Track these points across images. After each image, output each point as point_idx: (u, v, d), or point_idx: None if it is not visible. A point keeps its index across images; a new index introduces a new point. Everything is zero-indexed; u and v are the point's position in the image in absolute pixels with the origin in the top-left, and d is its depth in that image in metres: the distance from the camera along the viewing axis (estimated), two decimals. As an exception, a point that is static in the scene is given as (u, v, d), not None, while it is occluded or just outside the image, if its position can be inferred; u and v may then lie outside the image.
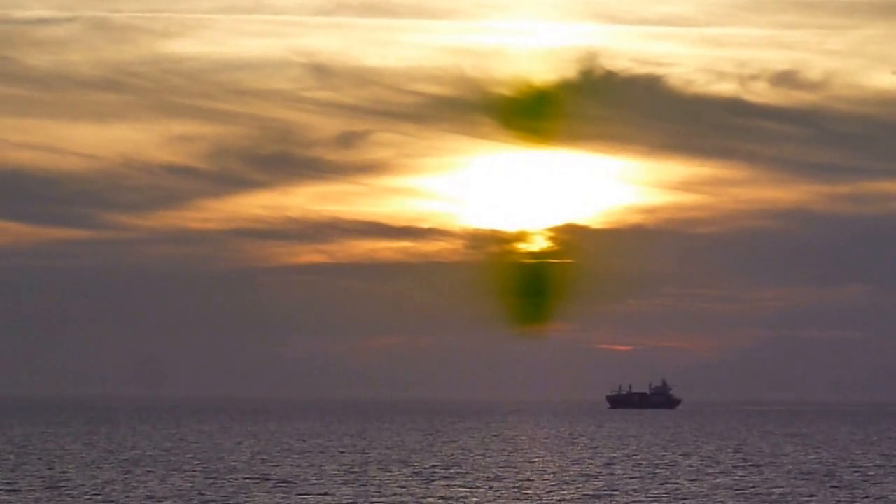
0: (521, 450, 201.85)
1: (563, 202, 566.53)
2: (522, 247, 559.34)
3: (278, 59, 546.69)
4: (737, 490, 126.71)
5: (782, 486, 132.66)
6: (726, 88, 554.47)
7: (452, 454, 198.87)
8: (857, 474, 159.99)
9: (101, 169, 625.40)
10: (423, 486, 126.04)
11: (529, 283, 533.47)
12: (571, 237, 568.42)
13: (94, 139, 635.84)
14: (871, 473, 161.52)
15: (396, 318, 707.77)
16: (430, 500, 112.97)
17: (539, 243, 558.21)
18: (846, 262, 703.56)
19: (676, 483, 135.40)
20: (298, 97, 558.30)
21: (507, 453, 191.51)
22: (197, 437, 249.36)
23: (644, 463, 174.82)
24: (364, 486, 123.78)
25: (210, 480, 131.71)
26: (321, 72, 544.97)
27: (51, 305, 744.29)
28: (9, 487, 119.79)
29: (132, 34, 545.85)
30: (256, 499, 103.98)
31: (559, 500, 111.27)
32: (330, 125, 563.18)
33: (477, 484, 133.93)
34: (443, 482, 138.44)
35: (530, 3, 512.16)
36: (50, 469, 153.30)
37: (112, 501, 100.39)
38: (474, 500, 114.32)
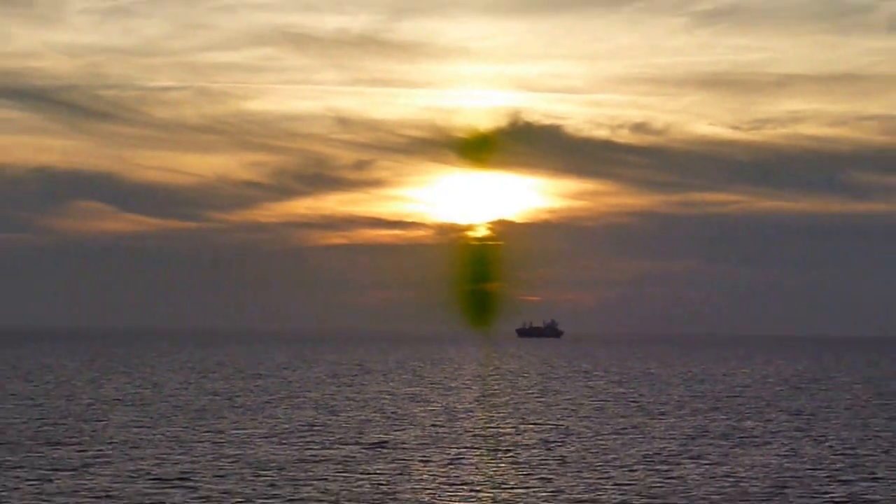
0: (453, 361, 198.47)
1: (497, 205, 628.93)
2: (471, 234, 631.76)
3: (317, 114, 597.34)
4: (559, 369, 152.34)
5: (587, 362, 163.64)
6: (602, 133, 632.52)
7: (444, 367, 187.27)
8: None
9: (204, 183, 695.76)
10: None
11: (475, 257, 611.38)
12: (502, 228, 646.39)
13: (199, 164, 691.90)
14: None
15: (390, 279, 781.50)
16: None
17: (482, 231, 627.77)
18: (679, 243, 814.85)
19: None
20: (329, 138, 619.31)
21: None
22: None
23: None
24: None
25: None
26: (344, 122, 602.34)
27: (169, 273, 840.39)
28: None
29: (223, 97, 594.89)
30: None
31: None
32: (349, 156, 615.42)
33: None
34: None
35: (478, 79, 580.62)
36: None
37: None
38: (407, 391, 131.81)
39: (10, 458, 59.14)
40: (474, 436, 77.45)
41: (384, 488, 50.69)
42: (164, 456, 61.29)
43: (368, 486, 51.33)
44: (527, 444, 70.38)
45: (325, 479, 52.90)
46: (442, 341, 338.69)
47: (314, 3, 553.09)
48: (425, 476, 55.45)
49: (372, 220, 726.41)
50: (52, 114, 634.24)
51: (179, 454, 62.44)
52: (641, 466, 59.27)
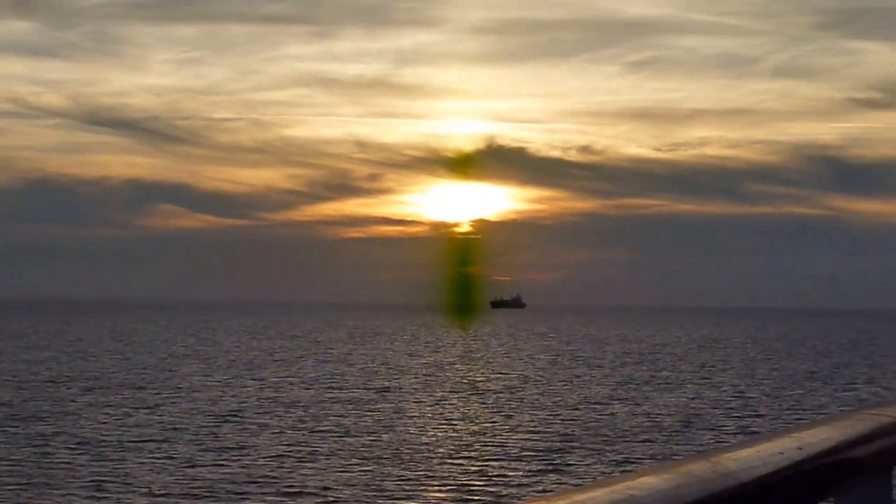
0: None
1: (476, 208, 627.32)
2: (457, 229, 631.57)
3: (340, 138, 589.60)
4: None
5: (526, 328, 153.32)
6: (556, 154, 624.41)
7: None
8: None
9: (254, 191, 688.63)
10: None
11: (460, 247, 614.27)
12: (481, 225, 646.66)
13: (251, 177, 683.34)
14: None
15: (395, 263, 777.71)
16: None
17: (465, 227, 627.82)
18: (614, 237, 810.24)
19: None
20: (349, 157, 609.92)
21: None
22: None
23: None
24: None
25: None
26: (360, 144, 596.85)
27: (228, 258, 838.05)
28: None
29: (270, 126, 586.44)
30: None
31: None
32: (364, 170, 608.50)
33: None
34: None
35: (462, 112, 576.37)
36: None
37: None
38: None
39: (102, 399, 59.21)
40: (455, 382, 77.01)
41: (385, 422, 50.98)
42: (218, 397, 61.40)
43: (372, 420, 51.32)
44: (495, 390, 70.29)
45: (341, 415, 53.00)
46: (434, 311, 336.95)
47: (338, 55, 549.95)
48: (417, 413, 55.83)
49: (381, 219, 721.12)
50: (140, 139, 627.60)
51: (230, 396, 62.37)
52: (582, 406, 58.90)
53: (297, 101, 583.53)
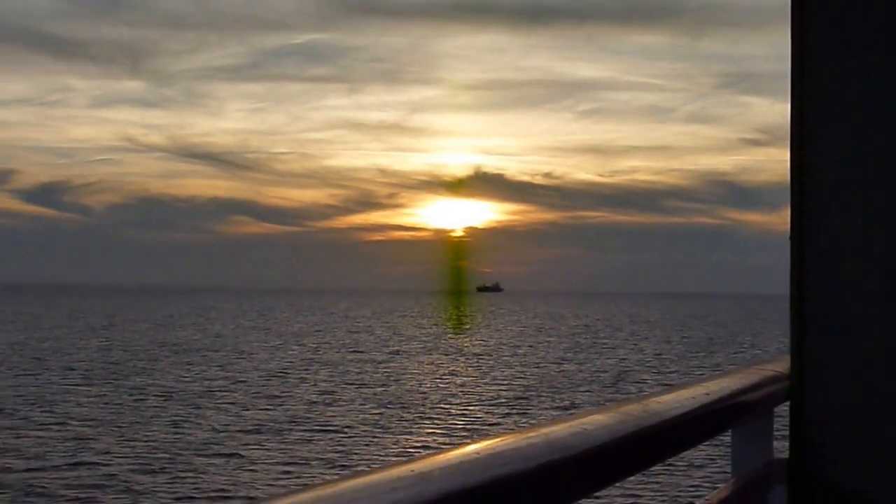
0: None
1: (467, 218, 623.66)
2: (453, 234, 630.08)
3: (366, 167, 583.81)
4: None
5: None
6: (526, 178, 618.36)
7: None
8: None
9: (304, 206, 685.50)
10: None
11: (455, 248, 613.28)
12: (471, 231, 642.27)
13: (301, 195, 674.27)
14: None
15: (407, 260, 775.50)
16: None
17: (459, 233, 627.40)
18: (568, 240, 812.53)
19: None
20: (373, 181, 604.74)
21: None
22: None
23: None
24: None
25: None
26: (382, 171, 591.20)
27: (284, 257, 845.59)
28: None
29: (315, 158, 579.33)
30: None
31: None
32: (384, 191, 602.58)
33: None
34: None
35: (457, 148, 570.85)
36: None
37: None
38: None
39: (185, 359, 58.41)
40: (448, 346, 76.42)
41: (393, 377, 50.12)
42: (270, 358, 60.49)
43: (384, 375, 50.56)
44: (476, 353, 69.44)
45: (360, 371, 52.17)
46: (435, 295, 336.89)
47: (365, 105, 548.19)
48: (417, 370, 54.86)
49: (397, 227, 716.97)
50: (219, 167, 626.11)
51: (279, 358, 61.60)
52: (542, 364, 58.02)
53: (335, 140, 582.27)
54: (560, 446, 1.27)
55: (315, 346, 72.86)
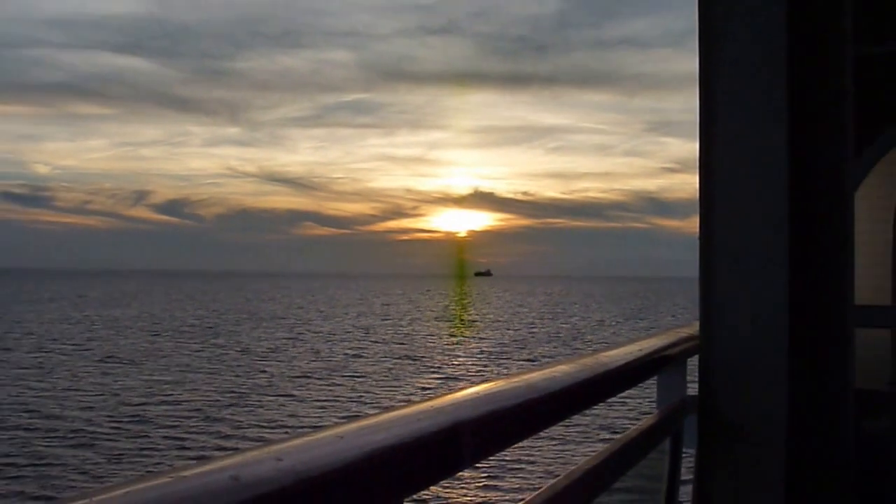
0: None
1: (469, 223, 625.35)
2: (459, 235, 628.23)
3: (397, 187, 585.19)
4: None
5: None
6: (509, 195, 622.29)
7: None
8: None
9: (353, 215, 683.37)
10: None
11: (461, 245, 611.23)
12: (472, 233, 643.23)
13: (351, 208, 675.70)
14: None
15: (427, 254, 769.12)
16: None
17: (463, 234, 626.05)
18: (533, 240, 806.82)
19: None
20: (402, 196, 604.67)
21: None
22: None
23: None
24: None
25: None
26: (408, 190, 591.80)
27: (339, 252, 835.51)
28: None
29: (361, 181, 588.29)
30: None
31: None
32: (411, 204, 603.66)
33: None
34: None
35: (461, 174, 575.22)
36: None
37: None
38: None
39: (265, 324, 56.16)
40: (449, 314, 74.54)
41: (408, 334, 48.29)
42: (325, 321, 58.49)
43: (403, 334, 49.07)
44: (471, 320, 67.04)
45: (387, 330, 50.79)
46: (447, 279, 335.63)
47: (396, 144, 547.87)
48: (428, 340, 52.25)
49: (419, 230, 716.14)
50: (294, 188, 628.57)
51: (327, 322, 59.61)
52: (515, 324, 56.46)
53: (375, 168, 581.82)
54: (537, 388, 1.32)
55: (356, 314, 70.38)
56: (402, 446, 0.91)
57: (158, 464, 16.01)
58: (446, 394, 1.14)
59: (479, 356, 38.79)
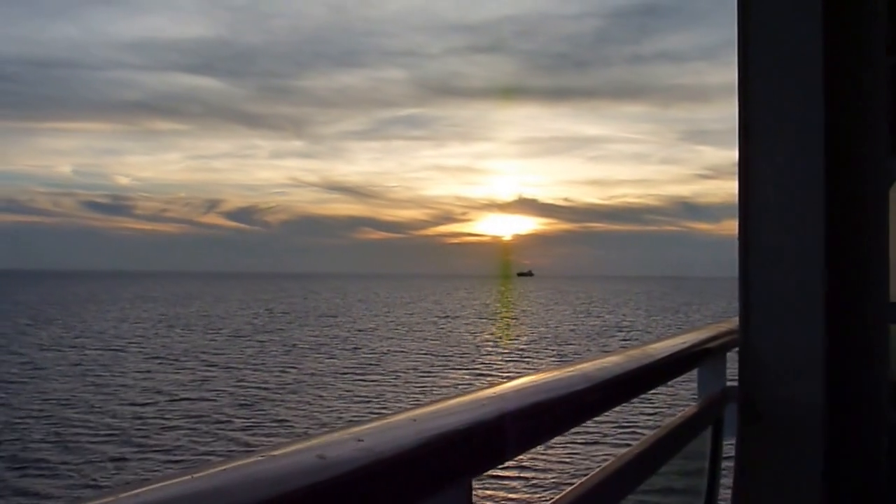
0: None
1: (513, 227, 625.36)
2: (504, 239, 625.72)
3: (448, 195, 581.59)
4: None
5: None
6: (550, 201, 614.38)
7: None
8: None
9: (407, 221, 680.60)
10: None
11: (506, 248, 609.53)
12: (517, 237, 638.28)
13: (405, 214, 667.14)
14: None
15: (476, 255, 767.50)
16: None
17: (508, 237, 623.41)
18: (576, 241, 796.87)
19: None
20: (453, 204, 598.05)
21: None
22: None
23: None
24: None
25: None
26: (459, 198, 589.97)
27: (393, 253, 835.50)
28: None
29: (415, 190, 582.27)
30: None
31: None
32: (460, 210, 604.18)
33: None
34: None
35: (507, 182, 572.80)
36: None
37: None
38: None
39: (317, 322, 55.05)
40: (495, 311, 72.70)
41: (455, 327, 46.53)
42: (374, 316, 57.39)
43: (451, 328, 47.43)
44: (512, 316, 65.50)
45: (432, 326, 49.06)
46: (494, 279, 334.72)
47: (447, 154, 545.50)
48: (473, 325, 50.48)
49: (468, 234, 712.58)
50: (353, 196, 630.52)
51: (386, 313, 58.24)
52: (555, 320, 54.49)
53: (427, 177, 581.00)
54: (589, 377, 1.34)
55: (410, 313, 67.72)
56: (472, 428, 0.91)
57: (155, 470, 14.77)
58: (507, 381, 1.18)
59: (519, 348, 37.04)
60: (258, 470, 0.66)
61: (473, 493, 0.96)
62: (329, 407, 20.91)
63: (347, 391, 23.81)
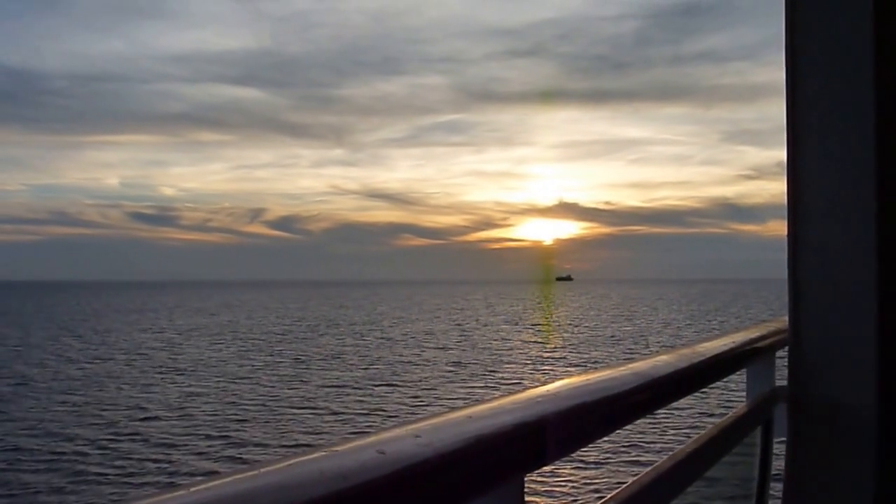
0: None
1: (553, 232, 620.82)
2: (544, 244, 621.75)
3: (488, 201, 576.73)
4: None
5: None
6: (590, 204, 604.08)
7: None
8: None
9: (447, 227, 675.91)
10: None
11: (546, 253, 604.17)
12: (557, 242, 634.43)
13: (445, 221, 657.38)
14: None
15: (516, 260, 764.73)
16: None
17: (548, 242, 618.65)
18: (617, 245, 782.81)
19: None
20: (493, 210, 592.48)
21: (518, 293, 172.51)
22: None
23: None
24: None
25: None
26: (498, 203, 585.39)
27: (434, 258, 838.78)
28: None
29: (454, 196, 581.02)
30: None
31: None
32: (500, 216, 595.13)
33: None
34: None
35: (546, 188, 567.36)
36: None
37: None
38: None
39: (349, 330, 52.40)
40: (534, 314, 69.00)
41: (496, 329, 43.33)
42: (414, 321, 54.77)
43: (491, 330, 44.41)
44: (554, 321, 61.97)
45: (470, 329, 45.93)
46: (532, 283, 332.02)
47: (486, 160, 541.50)
48: (516, 340, 47.23)
49: (508, 239, 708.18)
50: (393, 203, 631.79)
51: (426, 319, 55.35)
52: (593, 322, 51.20)
53: (467, 183, 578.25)
54: (641, 376, 1.35)
55: (457, 319, 63.63)
56: (527, 426, 0.92)
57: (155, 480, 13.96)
58: (560, 378, 1.19)
59: (559, 347, 35.20)
60: (322, 465, 0.68)
61: (525, 489, 0.96)
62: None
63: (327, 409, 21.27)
